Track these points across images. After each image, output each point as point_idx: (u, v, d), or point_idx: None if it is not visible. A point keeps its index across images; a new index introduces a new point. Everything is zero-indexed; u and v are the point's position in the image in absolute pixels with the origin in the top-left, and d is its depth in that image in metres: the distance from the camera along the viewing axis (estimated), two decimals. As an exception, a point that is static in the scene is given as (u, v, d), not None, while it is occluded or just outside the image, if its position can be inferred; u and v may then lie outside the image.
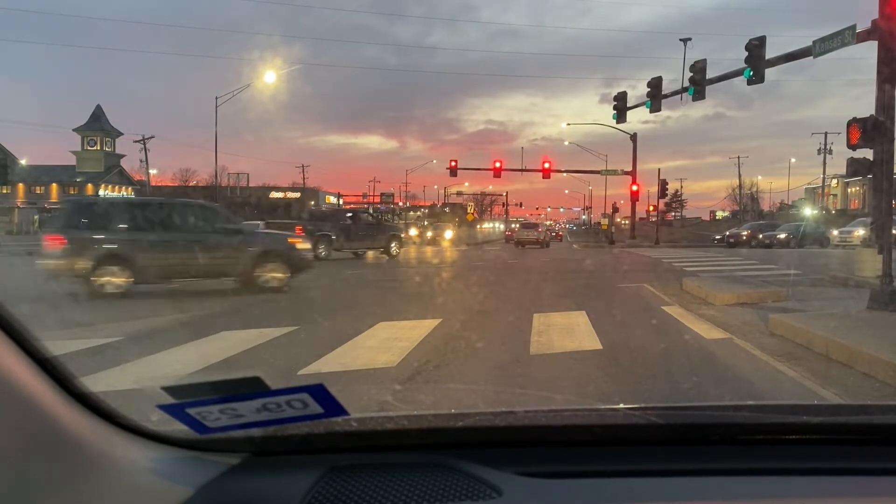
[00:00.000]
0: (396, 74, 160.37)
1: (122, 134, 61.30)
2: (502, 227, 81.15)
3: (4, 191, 52.68)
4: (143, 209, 12.85)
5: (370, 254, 25.31)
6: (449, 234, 47.45)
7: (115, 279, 11.12)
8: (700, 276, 15.58)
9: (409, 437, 1.33)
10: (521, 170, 47.45)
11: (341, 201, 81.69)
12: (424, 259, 26.26)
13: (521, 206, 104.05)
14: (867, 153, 9.83)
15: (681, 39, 21.39)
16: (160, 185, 67.90)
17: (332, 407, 1.09)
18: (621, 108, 20.93)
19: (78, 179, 59.50)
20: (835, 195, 75.93)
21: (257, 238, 13.00)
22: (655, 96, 18.76)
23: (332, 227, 23.89)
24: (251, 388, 1.05)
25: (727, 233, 41.96)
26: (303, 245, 13.50)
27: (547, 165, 44.42)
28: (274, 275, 12.11)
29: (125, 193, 64.39)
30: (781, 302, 10.63)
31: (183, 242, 11.88)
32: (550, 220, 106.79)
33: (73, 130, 60.61)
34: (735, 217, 75.06)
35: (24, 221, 58.69)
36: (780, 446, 1.33)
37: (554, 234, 61.47)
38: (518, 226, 48.95)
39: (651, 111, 19.16)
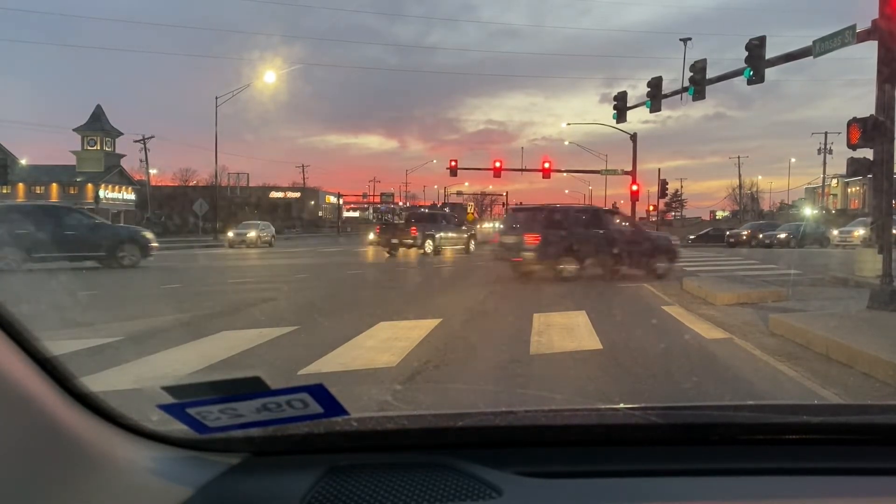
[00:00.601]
0: (396, 74, 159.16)
1: (122, 134, 61.27)
2: (503, 227, 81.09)
3: (4, 191, 52.56)
4: (579, 214, 17.24)
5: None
6: None
7: (569, 266, 14.99)
8: (700, 275, 15.58)
9: (409, 437, 1.32)
10: (521, 170, 47.29)
11: (341, 201, 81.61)
12: (425, 259, 26.21)
13: (521, 206, 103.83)
14: (867, 153, 9.84)
15: (681, 39, 21.31)
16: (160, 184, 67.93)
17: (332, 407, 1.09)
18: (621, 107, 20.93)
19: (78, 179, 59.44)
20: (835, 195, 75.97)
21: (650, 237, 17.77)
22: (655, 96, 18.75)
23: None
24: (251, 388, 1.05)
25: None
26: (676, 242, 18.81)
27: (547, 165, 44.25)
28: (660, 263, 15.98)
29: (125, 193, 64.45)
30: (781, 302, 10.63)
31: (602, 239, 15.74)
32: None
33: (73, 130, 60.51)
34: (735, 217, 75.11)
35: (24, 221, 58.64)
36: (780, 446, 1.33)
37: None
38: None
39: (651, 111, 19.15)
